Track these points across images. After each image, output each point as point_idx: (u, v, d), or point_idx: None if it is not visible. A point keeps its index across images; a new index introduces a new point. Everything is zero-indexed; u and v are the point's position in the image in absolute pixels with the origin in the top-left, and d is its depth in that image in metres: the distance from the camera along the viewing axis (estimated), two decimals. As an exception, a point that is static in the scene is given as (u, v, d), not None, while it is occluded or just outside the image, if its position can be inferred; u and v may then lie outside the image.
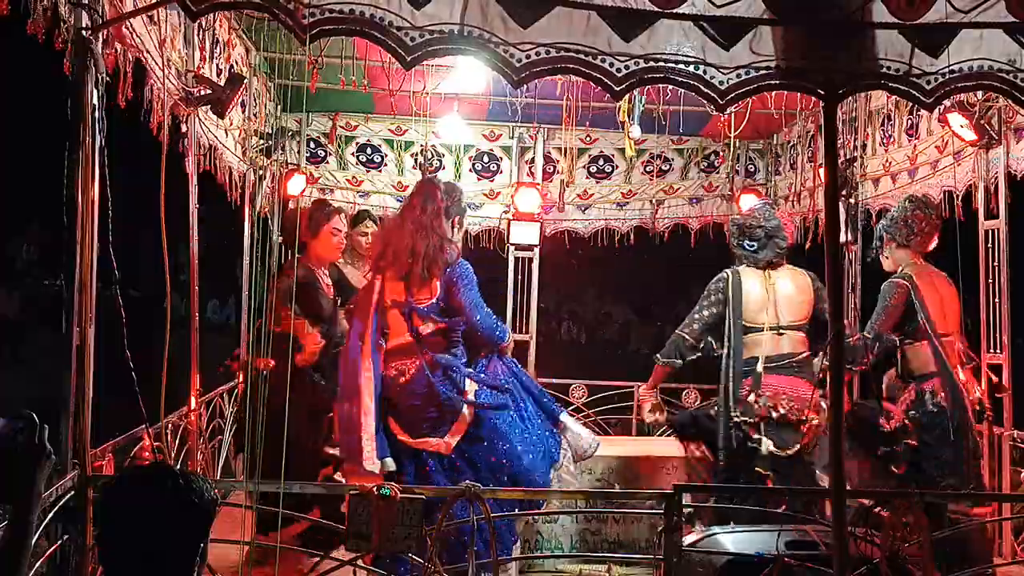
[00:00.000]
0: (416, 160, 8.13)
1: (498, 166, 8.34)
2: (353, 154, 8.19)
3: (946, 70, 3.05)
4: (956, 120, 5.33)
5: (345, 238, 5.65)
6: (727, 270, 5.13)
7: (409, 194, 4.69)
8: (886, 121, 6.52)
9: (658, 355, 5.16)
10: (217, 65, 5.38)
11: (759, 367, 4.87)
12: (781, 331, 4.96)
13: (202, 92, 4.86)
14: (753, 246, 5.10)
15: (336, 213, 5.60)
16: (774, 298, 5.02)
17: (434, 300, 4.44)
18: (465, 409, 4.30)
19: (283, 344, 4.98)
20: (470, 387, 4.38)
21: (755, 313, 4.98)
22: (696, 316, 5.08)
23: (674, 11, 2.93)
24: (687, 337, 5.05)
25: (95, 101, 3.17)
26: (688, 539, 3.62)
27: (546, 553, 5.16)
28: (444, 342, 4.46)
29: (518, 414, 4.42)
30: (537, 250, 7.94)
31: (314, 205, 5.83)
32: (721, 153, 8.49)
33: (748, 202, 7.97)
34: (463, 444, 4.30)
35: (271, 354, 4.97)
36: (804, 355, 4.97)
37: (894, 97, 5.29)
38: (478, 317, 4.47)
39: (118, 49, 3.83)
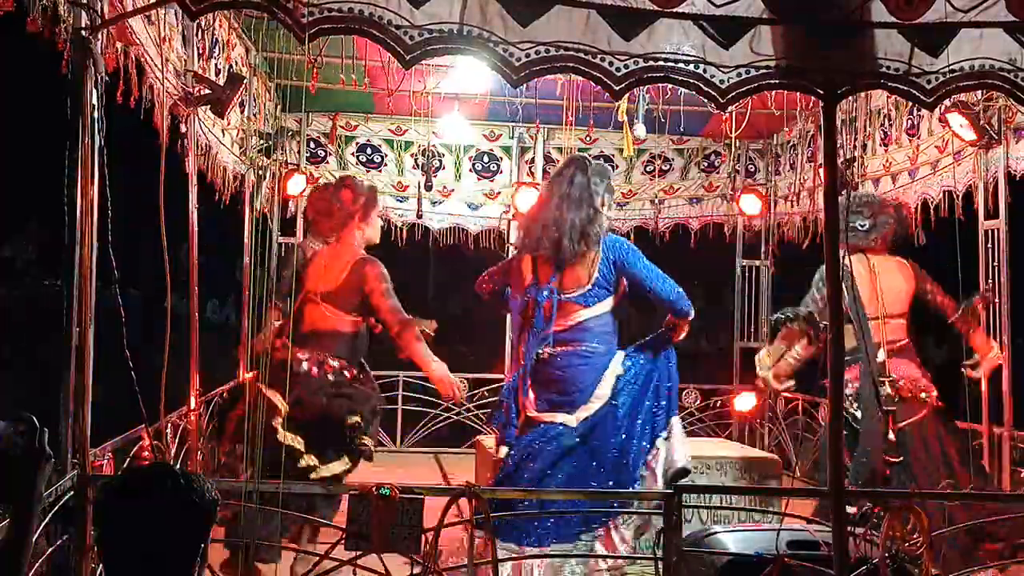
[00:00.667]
0: (416, 160, 8.13)
1: (498, 166, 8.35)
2: (353, 154, 8.19)
3: (946, 69, 3.05)
4: (956, 120, 5.33)
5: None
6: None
7: (557, 170, 4.74)
8: (886, 121, 6.52)
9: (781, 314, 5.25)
10: (216, 65, 5.37)
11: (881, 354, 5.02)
12: (886, 320, 5.06)
13: (202, 92, 4.86)
14: (864, 225, 5.20)
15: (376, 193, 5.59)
16: (880, 287, 5.13)
17: (589, 286, 4.47)
18: (595, 401, 4.43)
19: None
20: (607, 382, 4.46)
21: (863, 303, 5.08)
22: (809, 299, 5.18)
23: (674, 10, 2.93)
24: (800, 310, 5.14)
25: (94, 101, 3.16)
26: (688, 539, 3.62)
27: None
28: (595, 329, 4.50)
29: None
30: (537, 250, 7.93)
31: (348, 184, 5.61)
32: (722, 153, 8.49)
33: (748, 202, 8.00)
34: (585, 427, 4.41)
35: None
36: (903, 342, 5.15)
37: (894, 97, 5.29)
38: (659, 285, 4.49)
39: (119, 48, 3.83)
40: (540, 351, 4.53)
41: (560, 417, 4.47)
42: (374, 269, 4.95)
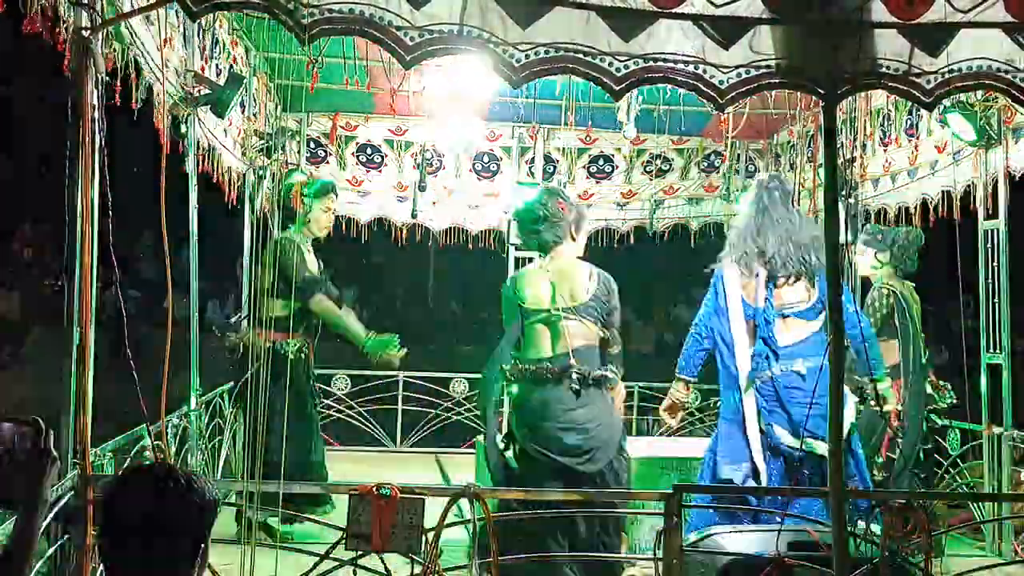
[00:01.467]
0: (416, 160, 8.12)
1: (498, 166, 8.34)
2: (353, 154, 8.18)
3: (945, 70, 3.05)
4: (956, 120, 5.34)
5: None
6: (887, 287, 5.50)
7: (761, 193, 4.74)
8: (886, 121, 6.52)
9: None
10: (217, 65, 5.37)
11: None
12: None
13: (202, 92, 4.85)
14: (914, 259, 5.64)
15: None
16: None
17: (814, 301, 4.54)
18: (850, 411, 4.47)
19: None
20: (850, 408, 4.54)
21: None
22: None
23: (673, 11, 2.93)
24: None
25: (95, 101, 3.17)
26: (688, 539, 3.62)
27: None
28: (821, 343, 4.44)
29: None
30: (537, 250, 7.93)
31: (559, 194, 5.51)
32: (721, 153, 8.48)
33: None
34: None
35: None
36: None
37: (894, 97, 5.30)
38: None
39: (116, 48, 3.83)
40: (781, 369, 4.54)
41: (812, 444, 4.44)
42: (614, 283, 4.75)
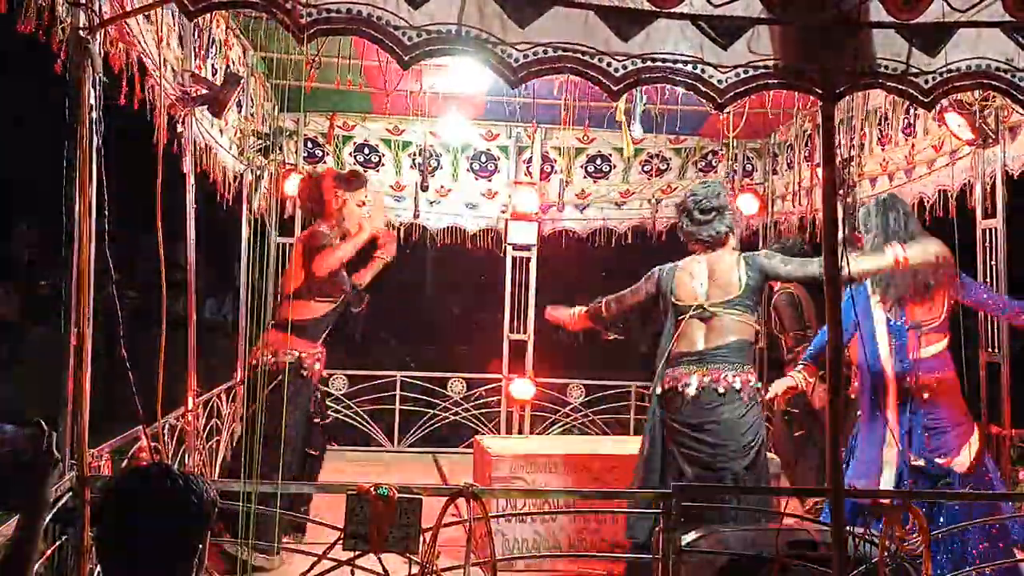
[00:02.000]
0: (414, 160, 8.12)
1: (496, 166, 8.34)
2: (351, 154, 8.18)
3: (944, 69, 3.05)
4: (953, 119, 5.33)
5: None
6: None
7: (872, 215, 4.78)
8: (883, 120, 6.52)
9: None
10: (214, 65, 5.37)
11: None
12: None
13: (199, 92, 4.85)
14: None
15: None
16: None
17: (942, 317, 4.57)
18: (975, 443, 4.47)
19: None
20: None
21: None
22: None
23: (672, 11, 2.93)
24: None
25: (92, 101, 3.16)
26: (687, 539, 3.62)
27: (545, 553, 5.16)
28: (948, 359, 4.53)
29: None
30: (535, 250, 7.94)
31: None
32: (719, 152, 8.48)
33: (746, 202, 7.99)
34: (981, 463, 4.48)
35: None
36: None
37: (891, 96, 5.29)
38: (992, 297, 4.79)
39: (122, 48, 3.82)
40: (910, 379, 4.54)
41: (941, 459, 4.44)
42: (759, 257, 4.76)
